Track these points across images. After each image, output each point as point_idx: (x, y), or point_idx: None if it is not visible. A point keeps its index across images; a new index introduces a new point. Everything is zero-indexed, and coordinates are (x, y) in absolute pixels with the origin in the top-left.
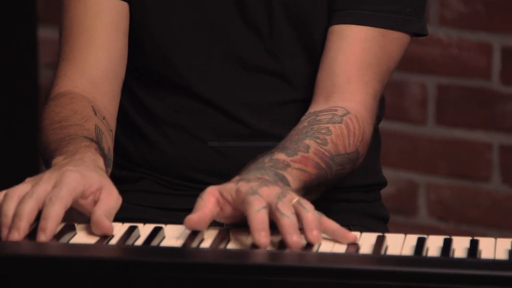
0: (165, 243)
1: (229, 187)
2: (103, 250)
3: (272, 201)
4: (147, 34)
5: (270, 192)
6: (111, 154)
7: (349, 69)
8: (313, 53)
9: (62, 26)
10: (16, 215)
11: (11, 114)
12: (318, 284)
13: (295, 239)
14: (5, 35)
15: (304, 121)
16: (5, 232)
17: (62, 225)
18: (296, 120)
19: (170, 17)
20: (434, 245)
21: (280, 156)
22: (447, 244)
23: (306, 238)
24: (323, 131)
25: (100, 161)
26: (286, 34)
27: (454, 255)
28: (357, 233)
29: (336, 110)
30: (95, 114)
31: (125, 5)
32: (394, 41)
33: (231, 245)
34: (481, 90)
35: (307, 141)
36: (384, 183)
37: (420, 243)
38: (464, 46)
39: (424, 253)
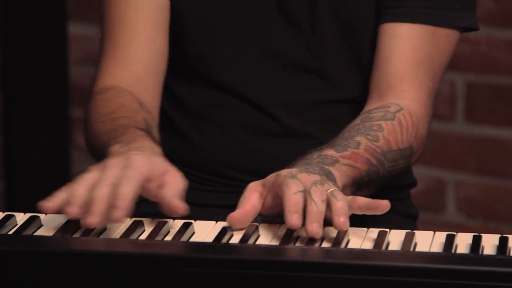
0: (195, 238)
1: (271, 175)
2: (130, 245)
3: (307, 186)
4: (186, 30)
5: (309, 178)
6: (160, 144)
7: (402, 68)
8: (356, 51)
9: (104, 22)
10: (91, 201)
11: (42, 111)
12: (347, 280)
13: (314, 228)
14: (36, 32)
15: (357, 119)
16: (71, 208)
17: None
18: (333, 120)
19: (209, 13)
20: (463, 242)
21: (329, 152)
22: (477, 241)
23: (333, 223)
24: (375, 128)
25: (158, 149)
26: (329, 31)
27: (484, 253)
28: (388, 203)
29: (389, 107)
30: (141, 108)
31: (166, 1)
32: (445, 37)
33: (260, 241)
34: (510, 87)
35: (358, 138)
36: (414, 184)
37: (450, 240)
38: (493, 43)
39: (453, 250)
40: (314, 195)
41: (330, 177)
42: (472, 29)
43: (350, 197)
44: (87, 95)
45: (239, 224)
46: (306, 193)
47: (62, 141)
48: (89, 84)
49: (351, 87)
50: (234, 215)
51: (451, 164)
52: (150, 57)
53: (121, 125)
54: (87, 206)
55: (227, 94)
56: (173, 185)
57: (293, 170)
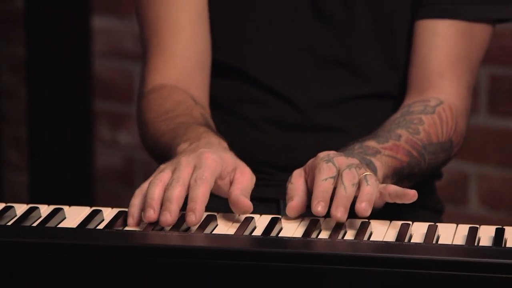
0: (217, 230)
1: (311, 160)
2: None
3: (342, 168)
4: (219, 24)
5: (346, 160)
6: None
7: (441, 65)
8: (391, 47)
9: (145, 20)
10: (166, 200)
11: (65, 104)
12: (369, 272)
13: (338, 213)
14: (60, 25)
15: (398, 113)
16: (150, 212)
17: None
18: (365, 115)
19: (242, 8)
20: (486, 235)
21: (371, 143)
22: (500, 234)
23: (355, 208)
24: (415, 121)
25: (225, 144)
26: (363, 26)
27: (507, 245)
28: (415, 192)
29: (429, 101)
30: (196, 103)
31: None
32: (482, 31)
33: (283, 233)
34: None
35: (399, 131)
36: (439, 175)
37: (472, 232)
38: None
39: (476, 243)
40: (345, 178)
41: (371, 166)
42: (508, 19)
43: (383, 185)
44: (138, 94)
45: (298, 213)
46: (338, 176)
47: (85, 134)
48: (112, 77)
49: (384, 83)
50: (292, 205)
51: (474, 157)
52: (196, 52)
53: (182, 123)
54: (163, 204)
55: (257, 89)
56: (242, 181)
57: (331, 153)
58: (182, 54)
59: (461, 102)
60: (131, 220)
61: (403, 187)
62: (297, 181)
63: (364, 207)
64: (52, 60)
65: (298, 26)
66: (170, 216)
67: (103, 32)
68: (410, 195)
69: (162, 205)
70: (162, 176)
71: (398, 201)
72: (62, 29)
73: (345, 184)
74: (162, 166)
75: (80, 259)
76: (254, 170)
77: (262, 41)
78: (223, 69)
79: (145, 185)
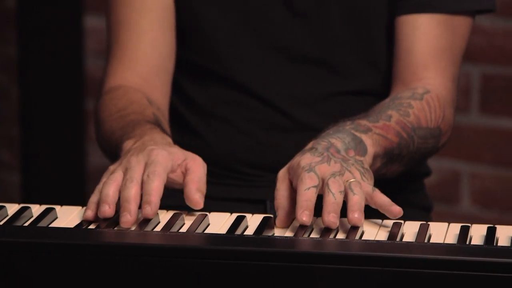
0: (209, 230)
1: (295, 161)
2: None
3: (326, 177)
4: (193, 26)
5: (328, 169)
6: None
7: (425, 58)
8: (368, 42)
9: (109, 23)
10: (124, 201)
11: (57, 103)
12: (361, 272)
13: (331, 218)
14: (52, 24)
15: (387, 99)
16: (104, 207)
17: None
18: (344, 112)
19: (216, 9)
20: (477, 233)
21: (362, 121)
22: (491, 232)
23: (348, 219)
24: (405, 104)
25: (169, 139)
26: (338, 22)
27: (498, 244)
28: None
29: (416, 89)
30: (151, 104)
31: (170, 1)
32: (463, 22)
33: (276, 232)
34: None
35: (390, 112)
36: (428, 173)
37: (464, 231)
38: (509, 35)
39: (467, 242)
40: (331, 186)
41: (361, 145)
42: (488, 10)
43: (371, 189)
44: (97, 95)
45: (287, 224)
46: (324, 184)
47: (77, 134)
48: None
49: (362, 79)
50: (279, 218)
51: (466, 155)
52: (157, 57)
53: (132, 121)
54: (120, 206)
55: (237, 91)
56: (195, 170)
57: (312, 161)
58: (141, 59)
59: (447, 93)
60: (90, 213)
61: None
62: (280, 187)
63: (357, 217)
64: (44, 59)
65: (273, 26)
66: (130, 216)
67: (95, 32)
68: (395, 213)
69: (120, 206)
70: (115, 176)
71: (382, 212)
72: (54, 28)
73: (333, 191)
74: (111, 167)
75: (72, 259)
76: (240, 172)
77: (239, 43)
78: (202, 73)
79: (100, 185)
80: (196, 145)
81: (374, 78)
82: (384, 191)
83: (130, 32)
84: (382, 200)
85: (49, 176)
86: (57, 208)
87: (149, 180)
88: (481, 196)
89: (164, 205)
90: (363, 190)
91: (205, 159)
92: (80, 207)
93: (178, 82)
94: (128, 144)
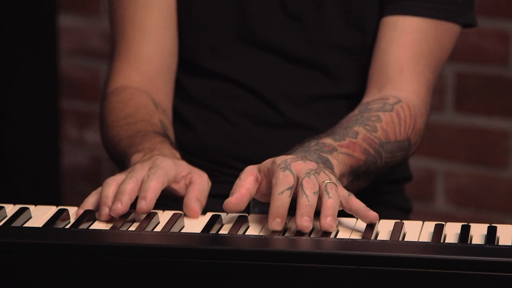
0: (185, 229)
1: (267, 161)
2: (122, 236)
3: (301, 176)
4: (191, 23)
5: (304, 166)
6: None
7: (401, 60)
8: (361, 47)
9: (113, 22)
10: (118, 192)
11: (32, 102)
12: (336, 270)
13: (303, 222)
14: (27, 23)
15: (356, 110)
16: (105, 210)
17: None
18: (336, 114)
19: (212, 8)
20: (452, 232)
21: (327, 140)
22: (465, 231)
23: (320, 223)
24: (373, 118)
25: (178, 155)
26: (334, 25)
27: (472, 242)
28: (377, 216)
29: (388, 99)
30: (157, 108)
31: None
32: (447, 32)
33: (250, 231)
34: (500, 77)
35: (356, 128)
36: (410, 178)
37: (438, 230)
38: (483, 34)
39: (442, 240)
40: (306, 187)
41: (327, 164)
42: (470, 25)
43: (346, 194)
44: (102, 95)
45: (235, 209)
46: (298, 184)
47: (52, 133)
48: (79, 75)
49: (354, 82)
50: (231, 200)
51: (441, 154)
52: (161, 56)
53: (139, 131)
54: (116, 195)
55: (231, 84)
56: (198, 183)
57: (288, 159)
58: (146, 57)
59: (420, 101)
60: (80, 211)
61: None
62: (246, 178)
63: (329, 222)
64: (19, 58)
65: (268, 27)
66: (121, 205)
67: (70, 31)
68: (371, 218)
69: (115, 197)
70: (116, 177)
71: (356, 217)
72: (28, 27)
73: (307, 193)
74: (118, 174)
75: (46, 259)
76: (227, 165)
77: (235, 41)
78: (197, 67)
79: (99, 189)
80: (187, 137)
81: (367, 82)
82: (363, 191)
83: (135, 30)
84: (357, 205)
85: (23, 175)
86: (31, 207)
87: (149, 179)
88: (456, 194)
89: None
90: (338, 193)
91: (195, 151)
92: (54, 207)
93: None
94: (136, 158)
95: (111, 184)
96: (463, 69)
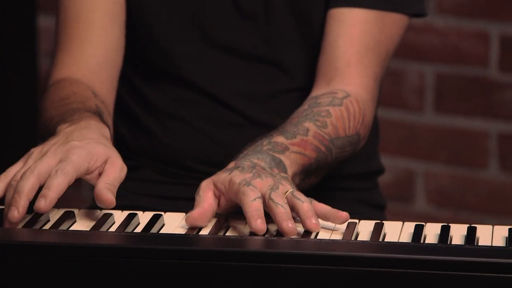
0: (165, 230)
1: (223, 178)
2: (102, 237)
3: (265, 192)
4: (143, 24)
5: (263, 183)
6: (112, 131)
7: (348, 52)
8: (311, 40)
9: (58, 17)
10: (16, 192)
11: (11, 103)
12: (316, 271)
13: (290, 225)
14: (6, 24)
15: (305, 104)
16: (13, 212)
17: (62, 212)
18: (293, 109)
19: (165, 7)
20: (432, 232)
21: (279, 139)
22: (445, 231)
23: (305, 226)
24: (323, 113)
25: (105, 130)
26: (283, 21)
27: (452, 242)
28: (347, 215)
29: (336, 93)
30: (95, 96)
31: None
32: (393, 23)
33: (229, 233)
34: (479, 78)
35: (307, 124)
36: (381, 171)
37: (418, 230)
38: (462, 34)
39: (421, 240)
40: (277, 199)
41: (281, 165)
42: (419, 15)
43: (308, 200)
44: (43, 89)
45: (198, 223)
46: (266, 199)
47: (31, 134)
48: None
49: (309, 76)
50: (193, 214)
51: (421, 154)
52: (105, 51)
53: (72, 108)
54: (13, 196)
55: (188, 89)
56: (108, 173)
57: (246, 177)
58: (89, 52)
59: (368, 94)
60: None
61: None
62: (205, 194)
63: (315, 222)
64: (16, 59)
65: (220, 25)
66: (17, 212)
67: (49, 31)
68: (343, 218)
69: (12, 197)
70: (28, 160)
71: (327, 221)
72: (7, 28)
73: (280, 203)
74: (32, 150)
75: (26, 260)
76: (194, 170)
77: (188, 42)
78: (153, 72)
79: (12, 170)
80: (148, 143)
81: (316, 74)
82: (336, 189)
83: (79, 27)
84: (325, 208)
85: None
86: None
87: (55, 175)
88: (436, 195)
89: (118, 206)
90: (306, 198)
91: (157, 156)
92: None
93: (129, 79)
94: (62, 127)
95: (8, 173)
96: (443, 70)
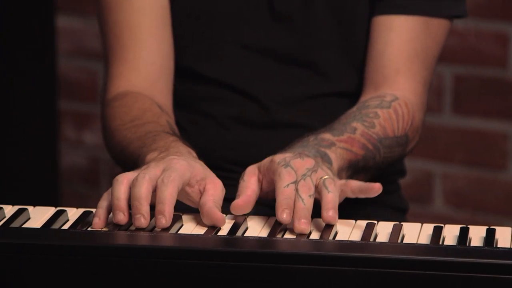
0: (183, 230)
1: (266, 160)
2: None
3: (300, 174)
4: (180, 26)
5: (302, 164)
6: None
7: (397, 61)
8: (352, 44)
9: (107, 26)
10: (134, 199)
11: (30, 104)
12: (334, 272)
13: (302, 225)
14: (24, 25)
15: (354, 107)
16: (120, 216)
17: (81, 211)
18: (327, 113)
19: (201, 10)
20: (450, 234)
21: (326, 135)
22: (464, 233)
23: (322, 217)
24: (371, 115)
25: (194, 153)
26: (323, 24)
27: (471, 244)
28: (380, 186)
29: (385, 96)
30: (162, 111)
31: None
32: (439, 27)
33: (249, 233)
34: (498, 79)
35: (355, 124)
36: (403, 172)
37: (437, 232)
38: (481, 36)
39: (440, 242)
40: (301, 191)
41: (326, 159)
42: (460, 16)
43: (343, 181)
44: (102, 102)
45: (243, 211)
46: (295, 185)
47: (50, 134)
48: (77, 76)
49: (345, 80)
50: (238, 202)
51: (439, 156)
52: (160, 57)
53: (150, 131)
54: (133, 203)
55: (220, 87)
56: (213, 192)
57: (286, 156)
58: (145, 60)
59: (417, 98)
60: (97, 220)
61: (359, 180)
62: (249, 179)
63: (331, 215)
64: (17, 60)
65: (256, 28)
66: (144, 219)
67: (68, 32)
68: (375, 189)
69: (132, 205)
70: (128, 174)
71: (362, 196)
72: (27, 29)
73: (302, 197)
74: (126, 173)
75: (44, 260)
76: (223, 169)
77: (223, 43)
78: (186, 70)
79: (109, 190)
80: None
81: (358, 80)
82: None
83: (132, 33)
84: (358, 184)
85: (22, 176)
86: (30, 208)
87: (163, 185)
88: (454, 196)
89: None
90: (337, 188)
91: None
92: (53, 208)
93: None
94: (152, 156)
95: (122, 183)
96: (461, 71)
